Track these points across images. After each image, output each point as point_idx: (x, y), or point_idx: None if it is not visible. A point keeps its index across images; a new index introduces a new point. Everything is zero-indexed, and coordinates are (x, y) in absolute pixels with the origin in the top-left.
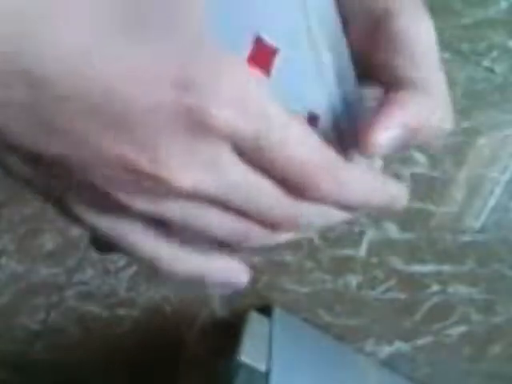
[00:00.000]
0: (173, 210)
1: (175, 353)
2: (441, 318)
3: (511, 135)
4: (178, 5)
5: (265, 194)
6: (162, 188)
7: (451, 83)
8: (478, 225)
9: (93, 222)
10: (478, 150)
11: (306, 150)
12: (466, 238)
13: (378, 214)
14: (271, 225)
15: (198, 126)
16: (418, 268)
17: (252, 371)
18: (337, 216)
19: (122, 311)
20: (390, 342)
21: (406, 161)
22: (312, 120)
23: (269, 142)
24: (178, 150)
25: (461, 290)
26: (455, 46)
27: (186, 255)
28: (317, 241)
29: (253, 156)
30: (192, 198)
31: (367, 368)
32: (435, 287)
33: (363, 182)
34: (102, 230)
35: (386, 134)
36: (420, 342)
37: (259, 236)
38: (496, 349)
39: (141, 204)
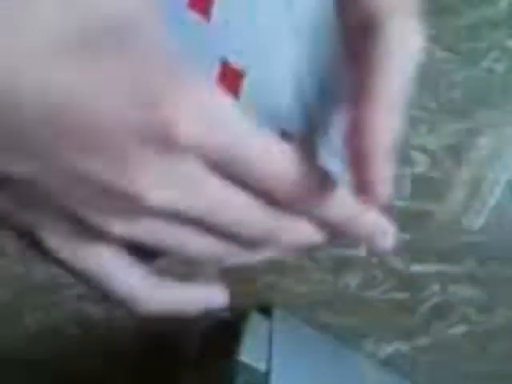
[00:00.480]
0: (147, 231)
1: (175, 353)
2: (441, 317)
3: (511, 135)
4: (131, 26)
5: (241, 208)
6: (135, 207)
7: (451, 83)
8: (478, 225)
9: (66, 255)
10: (477, 149)
11: (278, 160)
12: (466, 238)
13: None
14: (249, 242)
15: (163, 142)
16: (417, 268)
17: (252, 371)
18: (316, 235)
19: (122, 311)
20: (390, 342)
21: (406, 161)
22: (285, 138)
23: (240, 154)
24: (148, 166)
25: (461, 290)
26: (455, 46)
27: (161, 291)
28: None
29: (228, 170)
30: (165, 217)
31: (367, 368)
32: (435, 287)
33: (343, 199)
34: (76, 264)
35: (384, 184)
36: (420, 342)
37: (237, 254)
38: (496, 349)
39: (118, 227)
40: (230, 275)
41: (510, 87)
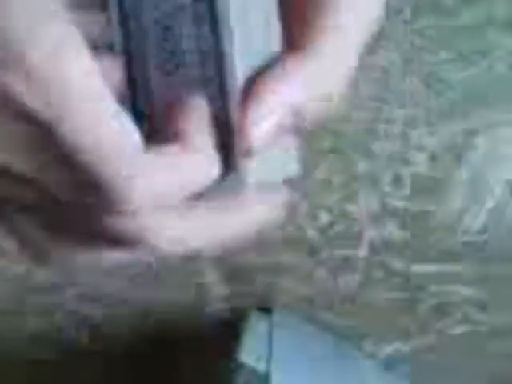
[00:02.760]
0: None
1: (175, 353)
2: (441, 317)
3: (511, 135)
4: None
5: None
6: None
7: (451, 83)
8: (477, 225)
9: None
10: (478, 149)
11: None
12: (466, 238)
13: None
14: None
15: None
16: (417, 268)
17: (252, 371)
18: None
19: (122, 311)
20: (390, 342)
21: (406, 161)
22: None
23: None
24: None
25: (461, 290)
26: (455, 46)
27: None
28: (317, 241)
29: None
30: None
31: (367, 368)
32: (435, 287)
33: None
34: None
35: (256, 130)
36: (420, 342)
37: None
38: (496, 349)
39: None
40: (228, 274)
41: (510, 87)
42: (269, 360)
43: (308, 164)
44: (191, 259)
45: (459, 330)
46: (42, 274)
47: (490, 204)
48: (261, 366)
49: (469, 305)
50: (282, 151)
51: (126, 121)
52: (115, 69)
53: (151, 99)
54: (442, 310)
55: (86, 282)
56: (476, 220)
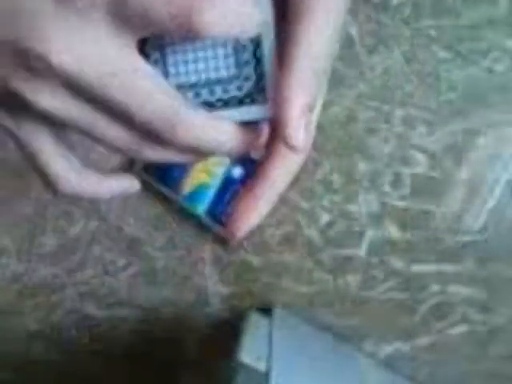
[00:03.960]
0: (55, 98)
1: (175, 353)
2: (441, 317)
3: (511, 135)
4: None
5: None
6: (41, 66)
7: (451, 83)
8: (478, 225)
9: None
10: (477, 149)
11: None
12: (466, 237)
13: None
14: (150, 135)
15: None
16: (417, 268)
17: (252, 371)
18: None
19: (122, 311)
20: (390, 342)
21: (406, 161)
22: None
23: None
24: (59, 31)
25: (461, 290)
26: (455, 46)
27: (80, 176)
28: (317, 241)
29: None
30: (71, 90)
31: (367, 368)
32: (435, 287)
33: (197, 122)
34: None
35: (301, 133)
36: (420, 341)
37: (140, 147)
38: (496, 349)
39: (41, 99)
40: (228, 274)
41: (510, 87)
42: (269, 360)
43: (308, 164)
44: (191, 259)
45: (459, 329)
46: (42, 273)
47: (490, 204)
48: (261, 366)
49: (469, 305)
50: None
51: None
52: None
53: None
54: (442, 310)
55: (86, 282)
56: (476, 220)
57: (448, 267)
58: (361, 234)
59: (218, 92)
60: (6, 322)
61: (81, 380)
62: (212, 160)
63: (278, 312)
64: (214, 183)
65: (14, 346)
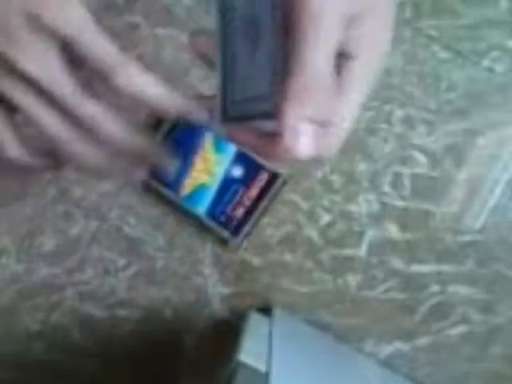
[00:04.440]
0: (9, 87)
1: (175, 353)
2: (441, 317)
3: (511, 135)
4: None
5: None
6: (7, 66)
7: (451, 83)
8: (478, 225)
9: None
10: (478, 149)
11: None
12: (466, 237)
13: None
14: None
15: (34, 24)
16: (417, 268)
17: (252, 371)
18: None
19: (122, 311)
20: (390, 342)
21: (406, 161)
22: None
23: (83, 39)
24: (25, 44)
25: (461, 290)
26: (455, 46)
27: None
28: (317, 241)
29: (73, 49)
30: (26, 83)
31: (367, 368)
32: (435, 287)
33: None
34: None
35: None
36: (420, 341)
37: (78, 141)
38: (496, 349)
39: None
40: (228, 274)
41: (510, 87)
42: (269, 360)
43: (309, 164)
44: (191, 259)
45: (459, 330)
46: (42, 273)
47: (490, 204)
48: (261, 366)
49: (469, 305)
50: None
51: None
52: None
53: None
54: (442, 310)
55: (86, 282)
56: (476, 220)
57: (448, 267)
58: (361, 234)
59: (266, 105)
60: (6, 321)
61: (81, 380)
62: (212, 160)
63: (277, 312)
64: (214, 183)
65: (14, 345)
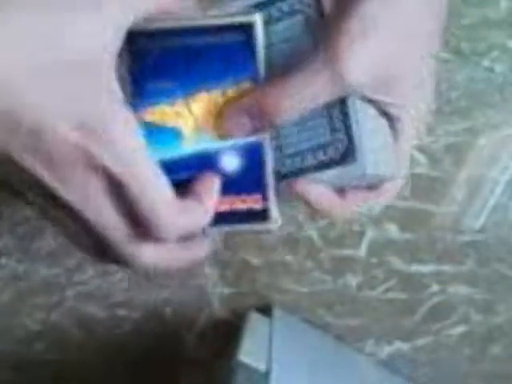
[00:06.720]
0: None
1: (175, 353)
2: (441, 317)
3: (511, 135)
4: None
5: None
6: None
7: (451, 83)
8: (478, 225)
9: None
10: (478, 149)
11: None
12: (466, 237)
13: None
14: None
15: (85, 158)
16: (417, 268)
17: (252, 371)
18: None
19: (122, 311)
20: (390, 342)
21: None
22: None
23: (129, 184)
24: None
25: (461, 290)
26: (455, 46)
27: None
28: (317, 241)
29: (118, 190)
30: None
31: (367, 368)
32: (435, 287)
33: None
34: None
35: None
36: (420, 341)
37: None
38: (496, 349)
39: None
40: (228, 274)
41: (510, 87)
42: (269, 360)
43: None
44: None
45: (459, 330)
46: (42, 273)
47: (490, 204)
48: (261, 366)
49: (469, 305)
50: (391, 153)
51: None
52: None
53: None
54: (442, 310)
55: (86, 282)
56: (476, 220)
57: (448, 267)
58: (361, 234)
59: (320, 156)
60: (6, 322)
61: (81, 380)
62: None
63: (277, 312)
64: None
65: (14, 345)
